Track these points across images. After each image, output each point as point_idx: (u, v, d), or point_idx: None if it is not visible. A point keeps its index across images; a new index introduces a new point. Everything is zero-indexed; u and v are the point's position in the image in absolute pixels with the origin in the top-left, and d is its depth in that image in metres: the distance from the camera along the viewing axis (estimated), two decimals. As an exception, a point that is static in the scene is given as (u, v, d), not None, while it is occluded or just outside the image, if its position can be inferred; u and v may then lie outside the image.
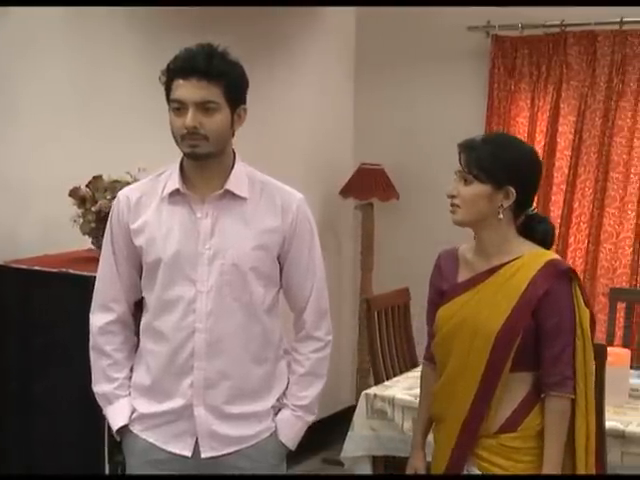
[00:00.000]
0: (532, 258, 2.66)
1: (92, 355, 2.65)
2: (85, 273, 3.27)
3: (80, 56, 3.93)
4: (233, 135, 2.57)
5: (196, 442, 2.55)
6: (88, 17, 3.91)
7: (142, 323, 2.62)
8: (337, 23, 5.54)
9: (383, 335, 4.27)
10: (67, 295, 3.30)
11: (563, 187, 4.95)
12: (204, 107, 2.44)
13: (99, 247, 3.49)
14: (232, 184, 2.54)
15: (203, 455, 2.55)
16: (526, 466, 2.63)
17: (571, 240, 4.93)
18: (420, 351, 4.67)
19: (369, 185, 5.31)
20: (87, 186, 3.54)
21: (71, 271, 3.31)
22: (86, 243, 3.65)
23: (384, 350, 4.26)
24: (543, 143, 5.01)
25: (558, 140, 4.96)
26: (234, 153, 2.61)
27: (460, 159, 2.65)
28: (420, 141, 5.48)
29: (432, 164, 5.41)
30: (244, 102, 2.55)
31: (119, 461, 3.27)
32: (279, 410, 2.62)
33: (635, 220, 4.75)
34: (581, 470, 2.62)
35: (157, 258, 2.54)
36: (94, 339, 2.64)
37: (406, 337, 4.42)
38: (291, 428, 2.62)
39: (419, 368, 4.19)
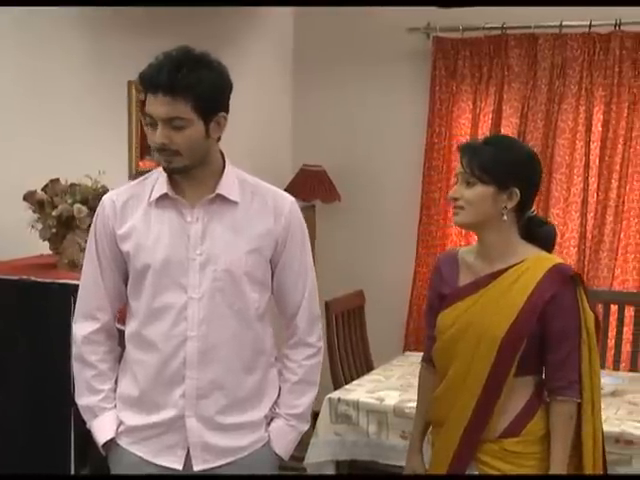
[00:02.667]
0: (536, 262, 2.64)
1: (75, 366, 2.54)
2: (49, 280, 3.17)
3: (29, 58, 3.80)
4: (219, 140, 2.48)
5: (187, 454, 2.47)
6: (38, 18, 3.79)
7: (128, 332, 2.52)
8: (275, 23, 5.49)
9: (340, 338, 4.24)
10: (30, 303, 3.17)
11: (507, 188, 4.99)
12: (172, 123, 2.34)
13: (57, 253, 3.39)
14: (223, 188, 2.46)
15: (195, 468, 2.46)
16: (529, 471, 2.62)
17: (516, 241, 4.97)
18: (375, 354, 4.69)
19: (311, 186, 5.27)
20: (43, 190, 3.41)
21: (33, 278, 3.18)
22: (37, 249, 3.53)
23: (341, 353, 4.23)
24: (486, 144, 5.04)
25: (501, 142, 4.99)
26: (223, 156, 2.53)
27: (462, 161, 2.62)
28: (361, 142, 5.47)
29: (374, 165, 5.43)
30: (223, 109, 2.42)
31: (86, 475, 3.17)
32: (271, 420, 2.56)
33: (579, 220, 4.84)
34: (588, 471, 2.62)
35: (145, 264, 2.44)
36: (78, 349, 2.53)
37: (362, 340, 4.40)
38: (285, 438, 2.56)
39: (376, 371, 4.22)
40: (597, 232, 4.79)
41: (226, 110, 2.44)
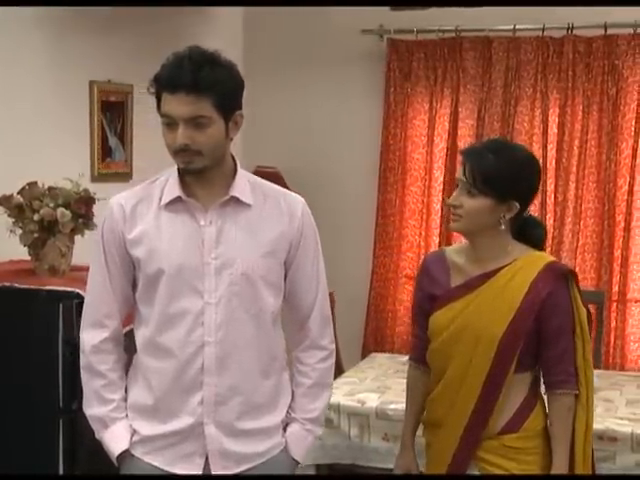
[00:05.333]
0: (529, 261, 2.69)
1: (84, 376, 2.46)
2: (34, 287, 3.07)
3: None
4: (231, 140, 2.45)
5: (206, 461, 2.42)
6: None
7: (141, 339, 2.45)
8: (224, 23, 5.42)
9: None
10: (15, 311, 3.07)
11: (465, 189, 5.04)
12: (195, 122, 2.30)
13: (38, 259, 3.29)
14: (237, 190, 2.43)
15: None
16: (529, 466, 2.66)
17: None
18: (344, 356, 4.68)
19: (266, 188, 5.21)
20: (19, 193, 3.30)
21: (17, 285, 3.08)
22: (7, 254, 3.42)
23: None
24: (442, 146, 5.09)
25: (459, 143, 5.03)
26: (234, 159, 2.49)
27: (464, 168, 2.63)
28: (316, 144, 5.44)
29: (329, 167, 5.40)
30: (239, 107, 2.42)
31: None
32: (287, 425, 2.53)
33: (537, 221, 4.90)
34: (579, 463, 2.67)
35: (159, 269, 2.38)
36: (87, 359, 2.45)
37: (332, 342, 4.36)
38: (302, 443, 2.54)
39: (348, 373, 4.21)
40: (557, 233, 4.86)
41: (241, 108, 2.41)
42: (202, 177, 2.40)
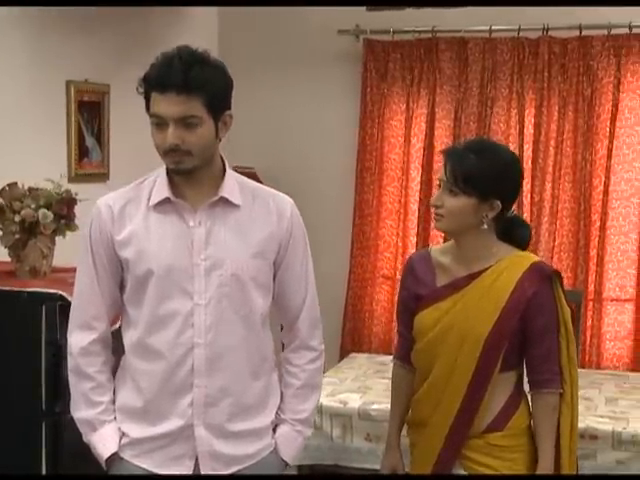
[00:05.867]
0: (514, 261, 2.70)
1: (72, 378, 2.44)
2: (16, 289, 3.04)
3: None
4: (220, 141, 2.44)
5: (195, 463, 2.41)
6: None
7: (129, 341, 2.43)
8: (199, 23, 5.40)
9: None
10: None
11: (442, 189, 5.05)
12: (185, 122, 2.29)
13: (19, 261, 3.25)
14: (226, 191, 2.42)
15: None
16: (514, 464, 2.68)
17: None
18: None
19: (242, 189, 5.19)
20: (-1, 194, 3.27)
21: (-1, 287, 3.05)
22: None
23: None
24: (419, 147, 5.10)
25: (435, 144, 5.05)
26: (223, 160, 2.48)
27: (445, 168, 2.65)
28: (293, 144, 5.43)
29: (306, 167, 5.39)
30: (229, 108, 2.41)
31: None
32: (276, 426, 2.52)
33: (514, 220, 4.92)
34: (565, 460, 2.69)
35: (147, 271, 2.37)
36: (75, 361, 2.42)
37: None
38: (292, 444, 2.53)
39: (328, 374, 4.20)
40: (534, 233, 4.85)
41: (230, 108, 2.40)
42: (191, 178, 2.39)
